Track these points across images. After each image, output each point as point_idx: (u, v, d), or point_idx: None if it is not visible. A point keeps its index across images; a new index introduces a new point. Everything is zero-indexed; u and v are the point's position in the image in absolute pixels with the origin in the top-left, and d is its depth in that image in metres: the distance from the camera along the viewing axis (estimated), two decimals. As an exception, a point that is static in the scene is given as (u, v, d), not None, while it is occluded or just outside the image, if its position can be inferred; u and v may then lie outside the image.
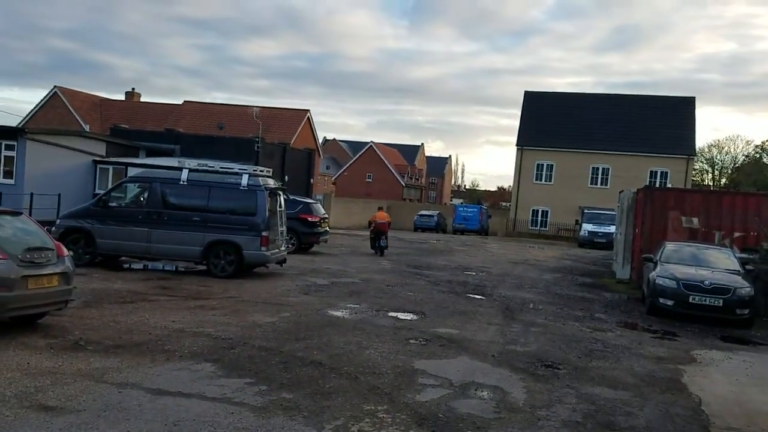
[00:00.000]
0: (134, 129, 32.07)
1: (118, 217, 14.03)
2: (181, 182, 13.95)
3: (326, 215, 23.09)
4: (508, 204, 63.78)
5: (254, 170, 14.51)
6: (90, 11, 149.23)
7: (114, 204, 14.45)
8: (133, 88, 50.70)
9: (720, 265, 13.33)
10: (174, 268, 14.85)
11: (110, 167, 23.26)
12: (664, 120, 48.46)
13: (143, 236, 13.72)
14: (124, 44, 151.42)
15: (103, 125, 42.35)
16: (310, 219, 20.97)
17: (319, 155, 53.00)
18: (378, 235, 22.20)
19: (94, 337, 7.71)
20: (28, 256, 7.59)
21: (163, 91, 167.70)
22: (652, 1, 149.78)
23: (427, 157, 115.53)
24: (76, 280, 8.78)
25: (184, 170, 14.12)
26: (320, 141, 58.53)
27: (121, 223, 13.90)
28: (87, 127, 41.55)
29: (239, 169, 14.47)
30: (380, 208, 24.56)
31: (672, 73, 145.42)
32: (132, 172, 19.37)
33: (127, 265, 14.88)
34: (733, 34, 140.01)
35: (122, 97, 51.03)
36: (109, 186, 19.56)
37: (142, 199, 14.32)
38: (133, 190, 14.93)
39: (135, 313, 9.30)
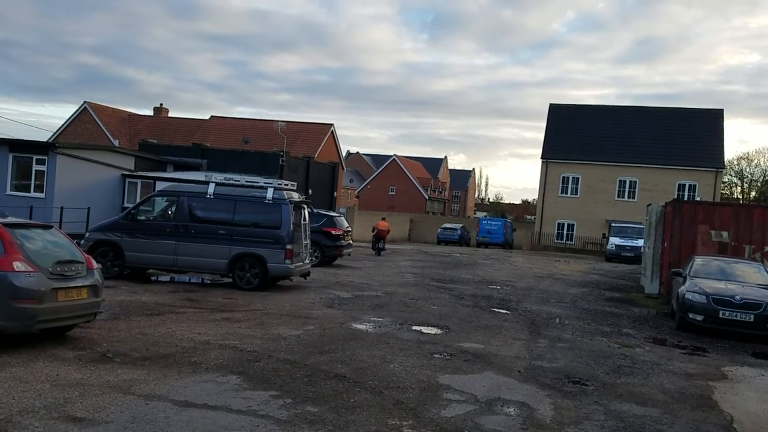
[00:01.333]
0: (162, 144, 32.55)
1: (146, 231, 14.23)
2: (208, 196, 14.12)
3: (349, 228, 23.17)
4: (532, 217, 63.31)
5: (279, 184, 14.62)
6: (117, 27, 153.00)
7: (142, 217, 14.68)
8: (162, 104, 51.60)
9: (750, 279, 13.06)
10: (200, 281, 15.00)
11: (138, 181, 23.61)
12: (692, 132, 47.80)
13: (170, 249, 13.89)
14: (151, 60, 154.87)
15: (132, 140, 43.13)
16: (333, 232, 21.05)
17: (343, 168, 53.25)
18: (378, 239, 27.86)
19: (121, 349, 7.80)
20: (58, 269, 7.73)
21: (188, 105, 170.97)
22: (673, 14, 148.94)
23: (450, 170, 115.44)
24: (104, 293, 8.91)
25: (210, 184, 14.31)
26: (344, 155, 58.86)
27: (148, 236, 14.10)
28: (116, 142, 42.32)
29: (264, 182, 14.60)
30: (383, 218, 30.65)
31: (697, 85, 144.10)
32: (160, 186, 19.64)
33: (155, 278, 15.07)
34: (758, 45, 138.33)
35: (150, 112, 51.95)
36: (138, 200, 19.86)
37: (169, 212, 14.51)
38: (160, 203, 15.15)
39: (162, 325, 9.40)
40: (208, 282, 14.86)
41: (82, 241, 13.89)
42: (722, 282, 12.83)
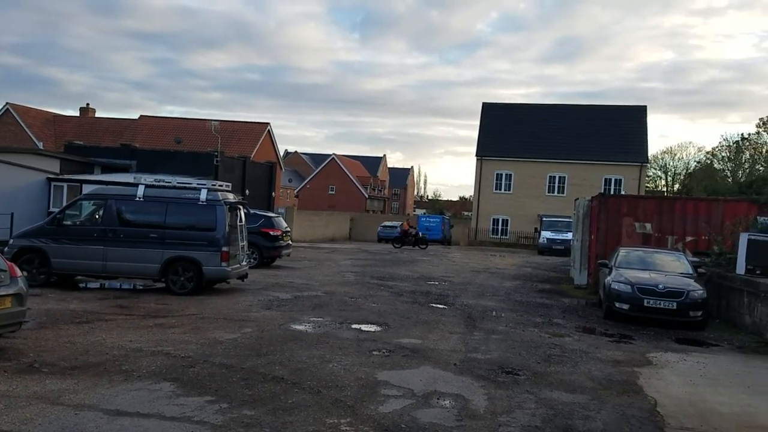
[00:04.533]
0: (89, 145, 31.37)
1: (73, 236, 13.73)
2: (137, 198, 13.73)
3: (288, 229, 22.99)
4: (469, 213, 64.45)
5: (213, 185, 14.36)
6: (37, 26, 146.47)
7: (69, 222, 14.13)
8: (88, 104, 49.75)
9: (673, 269, 13.73)
10: (132, 287, 14.59)
11: (64, 185, 22.71)
12: (617, 128, 49.80)
13: (99, 254, 13.46)
14: (74, 59, 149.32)
15: (57, 142, 41.40)
16: (271, 233, 20.86)
17: (281, 168, 52.75)
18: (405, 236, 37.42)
19: (49, 358, 7.52)
20: (-22, 278, 7.37)
21: (115, 105, 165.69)
22: (591, 14, 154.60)
23: (389, 168, 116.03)
24: (30, 301, 8.56)
25: (140, 186, 13.90)
26: (282, 154, 58.27)
27: (76, 241, 13.61)
28: (40, 144, 40.56)
29: (197, 183, 14.30)
30: (407, 220, 41.34)
31: (617, 83, 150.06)
32: (87, 189, 18.95)
33: (84, 285, 14.55)
34: (672, 43, 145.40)
35: (76, 113, 50.00)
36: (64, 204, 19.10)
37: (97, 216, 14.03)
38: (88, 207, 14.63)
39: (91, 333, 9.11)
40: (140, 288, 14.46)
41: (6, 249, 13.32)
42: (646, 272, 13.44)
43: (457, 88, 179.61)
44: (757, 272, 12.92)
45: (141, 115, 48.81)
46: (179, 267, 13.40)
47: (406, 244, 36.91)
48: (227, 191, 14.71)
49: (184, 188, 14.10)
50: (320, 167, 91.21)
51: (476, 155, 51.25)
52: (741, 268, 13.32)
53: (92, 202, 14.48)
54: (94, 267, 13.62)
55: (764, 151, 61.11)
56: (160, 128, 45.00)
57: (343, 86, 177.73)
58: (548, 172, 49.74)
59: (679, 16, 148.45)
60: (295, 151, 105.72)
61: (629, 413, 6.64)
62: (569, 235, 31.70)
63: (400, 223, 50.72)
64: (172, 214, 13.59)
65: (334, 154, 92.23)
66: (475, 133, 53.32)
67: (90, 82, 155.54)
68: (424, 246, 36.74)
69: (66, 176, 23.14)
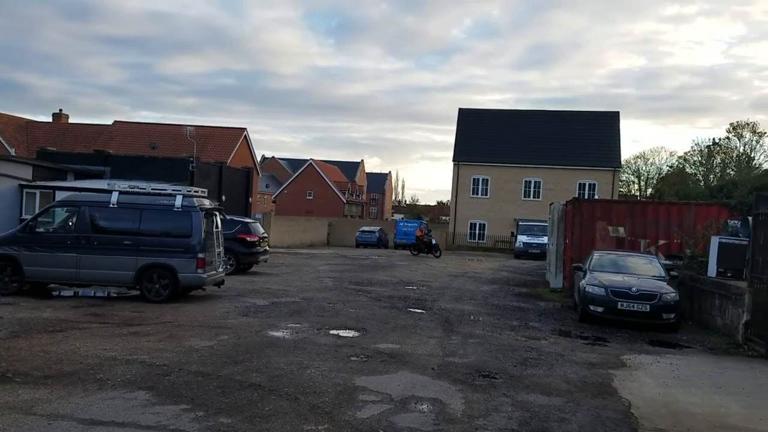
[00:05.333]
0: (62, 151, 30.91)
1: (45, 243, 13.52)
2: (111, 205, 13.56)
3: (265, 234, 22.88)
4: (447, 218, 64.74)
5: (188, 191, 14.25)
6: (7, 31, 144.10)
7: (41, 229, 13.93)
8: (61, 110, 49.01)
9: (646, 272, 13.94)
10: (106, 295, 14.40)
11: (37, 191, 22.33)
12: (591, 134, 50.51)
13: (72, 262, 13.26)
14: (45, 64, 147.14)
15: (30, 148, 40.70)
16: (248, 239, 20.74)
17: (258, 174, 52.46)
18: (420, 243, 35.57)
19: (22, 368, 7.39)
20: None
21: (88, 111, 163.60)
22: (563, 21, 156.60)
23: (367, 173, 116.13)
24: (2, 310, 8.42)
25: (113, 193, 13.73)
26: (259, 159, 58.01)
27: (49, 249, 13.41)
28: (12, 151, 39.82)
29: (173, 189, 14.17)
30: (420, 228, 38.70)
31: (589, 89, 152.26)
32: (60, 196, 18.66)
33: (57, 293, 14.32)
34: (643, 50, 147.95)
35: (49, 119, 49.25)
36: (36, 211, 18.78)
37: (70, 223, 13.84)
38: (61, 214, 14.42)
39: (65, 342, 8.97)
40: (115, 295, 14.28)
41: (-25, 257, 13.05)
42: (620, 275, 13.63)
43: (434, 93, 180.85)
44: (728, 275, 13.18)
45: (115, 121, 48.28)
46: (154, 274, 13.26)
47: (422, 251, 35.49)
48: (203, 197, 14.60)
49: (159, 194, 13.96)
50: (298, 172, 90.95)
51: (453, 160, 51.56)
52: (712, 270, 13.58)
53: (65, 209, 14.28)
54: (68, 275, 13.43)
55: (735, 155, 62.49)
56: (135, 134, 44.53)
57: (319, 91, 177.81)
58: (524, 176, 50.22)
59: (650, 23, 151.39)
60: (273, 157, 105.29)
61: (604, 415, 6.73)
62: (545, 239, 31.99)
63: (377, 228, 50.88)
64: (146, 220, 13.45)
65: (311, 159, 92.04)
66: (451, 138, 54.02)
67: (63, 87, 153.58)
68: (438, 254, 35.14)
69: (39, 183, 22.77)
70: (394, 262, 30.03)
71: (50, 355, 8.10)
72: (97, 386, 6.81)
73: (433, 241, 36.06)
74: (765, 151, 60.93)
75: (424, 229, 36.65)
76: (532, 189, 50.19)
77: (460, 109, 55.50)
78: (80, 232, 13.43)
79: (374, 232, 48.86)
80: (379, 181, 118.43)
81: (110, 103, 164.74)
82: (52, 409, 5.99)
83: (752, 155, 61.58)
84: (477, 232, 51.02)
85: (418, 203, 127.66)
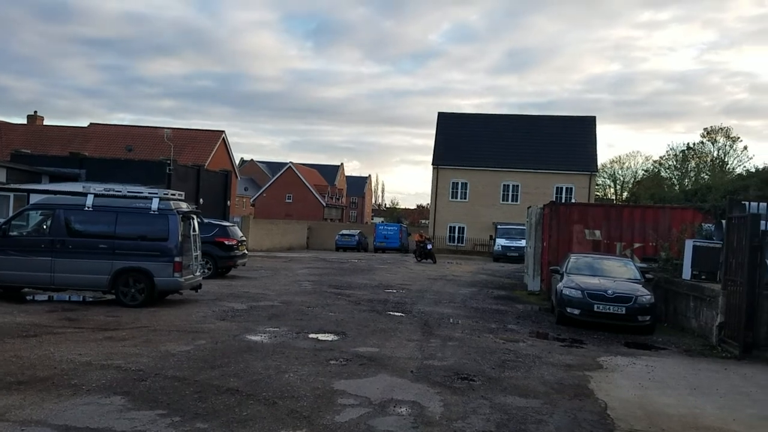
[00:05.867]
0: (37, 154, 30.49)
1: (19, 247, 13.28)
2: (86, 208, 13.37)
3: (244, 238, 22.74)
4: (427, 221, 64.92)
5: (165, 194, 14.10)
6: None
7: (15, 233, 13.67)
8: (36, 111, 48.31)
9: (622, 274, 14.12)
10: (81, 299, 14.19)
11: (11, 194, 21.96)
12: (568, 138, 51.11)
13: (46, 266, 13.04)
14: (19, 65, 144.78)
15: (3, 151, 39.95)
16: (226, 242, 20.60)
17: (237, 177, 52.15)
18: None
19: (-8, 375, 7.26)
20: None
21: (64, 113, 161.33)
22: (539, 26, 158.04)
23: (347, 176, 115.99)
24: (-29, 316, 8.26)
25: (89, 195, 13.54)
26: (237, 162, 57.64)
27: (22, 252, 13.17)
28: (-16, 152, 39.11)
29: (149, 192, 14.02)
30: (420, 233, 37.28)
31: (565, 94, 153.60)
32: (34, 199, 18.37)
33: (31, 297, 14.09)
34: (617, 55, 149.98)
35: (24, 121, 48.45)
36: (10, 214, 18.47)
37: (44, 227, 13.62)
38: (35, 217, 14.19)
39: (39, 347, 8.82)
40: (90, 300, 14.08)
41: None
42: (596, 278, 13.79)
43: (412, 97, 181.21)
44: (703, 277, 13.40)
45: (91, 123, 47.71)
46: (130, 278, 13.09)
47: (423, 257, 34.68)
48: (180, 200, 14.47)
49: (135, 197, 13.80)
50: (277, 175, 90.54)
51: (432, 164, 51.79)
52: (687, 273, 13.79)
53: (39, 212, 14.06)
54: (42, 279, 13.21)
55: (709, 160, 63.52)
56: (111, 136, 44.02)
57: (297, 94, 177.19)
58: (502, 180, 50.62)
59: (624, 29, 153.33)
60: (252, 160, 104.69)
61: (581, 416, 6.79)
62: (523, 243, 32.27)
63: (357, 231, 50.86)
64: (122, 223, 13.28)
65: (290, 162, 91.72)
66: (430, 142, 54.29)
67: (38, 89, 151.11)
68: (432, 261, 34.49)
69: (12, 186, 22.41)
70: (373, 265, 30.03)
71: (23, 361, 7.96)
72: (71, 392, 6.71)
73: (429, 248, 35.02)
74: (738, 156, 62.10)
75: (423, 234, 35.36)
76: (510, 193, 50.61)
77: (439, 113, 55.80)
78: (55, 236, 13.22)
79: (354, 235, 48.84)
80: (359, 184, 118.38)
81: (86, 105, 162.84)
82: (25, 415, 5.88)
83: (726, 160, 62.71)
84: (456, 235, 51.29)
85: (398, 207, 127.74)
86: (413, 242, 50.60)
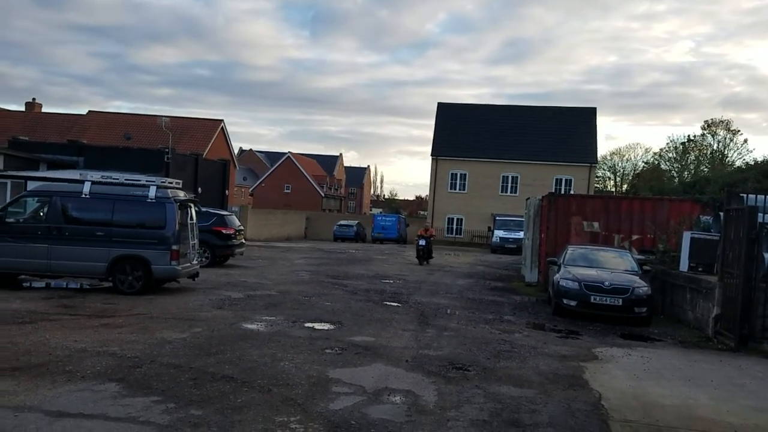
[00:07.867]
0: (35, 141, 30.39)
1: (16, 234, 13.26)
2: (83, 195, 13.34)
3: (242, 227, 22.72)
4: (425, 212, 64.89)
5: (162, 182, 14.07)
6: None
7: (12, 220, 13.66)
8: (34, 99, 48.11)
9: (619, 266, 14.11)
10: (78, 286, 14.19)
11: (8, 181, 21.91)
12: (568, 130, 50.95)
13: (43, 253, 13.04)
14: (16, 52, 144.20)
15: (1, 137, 39.85)
16: (224, 231, 20.58)
17: (235, 166, 52.05)
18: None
19: (-13, 361, 7.26)
20: None
21: (61, 100, 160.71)
22: (537, 16, 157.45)
23: (345, 167, 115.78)
24: (-34, 302, 8.26)
25: (86, 183, 13.51)
26: (236, 152, 57.52)
27: (19, 239, 13.15)
28: (-18, 139, 39.01)
29: (146, 180, 13.98)
30: (425, 227, 29.86)
31: (563, 85, 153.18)
32: (32, 186, 18.33)
33: (27, 284, 14.08)
34: (614, 47, 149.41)
35: (22, 108, 48.30)
36: (7, 201, 18.44)
37: (42, 213, 13.60)
38: (32, 204, 14.17)
39: (34, 333, 8.82)
40: (87, 287, 14.08)
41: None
42: (593, 269, 13.78)
43: (409, 87, 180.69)
44: (700, 269, 13.41)
45: (89, 111, 47.54)
46: (127, 266, 13.09)
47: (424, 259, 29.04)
48: (177, 188, 14.44)
49: (133, 185, 13.77)
50: (276, 165, 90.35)
51: (431, 155, 51.67)
52: (684, 265, 13.80)
53: (36, 199, 14.04)
54: (39, 266, 13.20)
55: (709, 152, 63.46)
56: (109, 124, 43.89)
57: (294, 84, 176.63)
58: (501, 171, 50.52)
59: (621, 20, 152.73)
60: (251, 149, 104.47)
61: (574, 407, 6.80)
62: (521, 234, 32.26)
63: (356, 222, 50.84)
64: (119, 211, 13.26)
65: (289, 152, 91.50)
66: (428, 133, 54.15)
67: (35, 76, 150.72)
68: (427, 260, 28.84)
69: (10, 173, 22.36)
70: (371, 256, 30.03)
71: (18, 347, 7.96)
72: (65, 378, 6.71)
73: (421, 243, 28.98)
74: (738, 149, 62.03)
75: (430, 229, 29.93)
76: (509, 184, 50.54)
77: (439, 104, 55.61)
78: (52, 223, 13.20)
79: (352, 226, 48.80)
80: (358, 175, 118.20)
81: (84, 92, 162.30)
82: (18, 401, 5.88)
83: (726, 152, 62.64)
84: (454, 226, 51.27)
85: (396, 198, 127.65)
86: (412, 234, 50.73)
